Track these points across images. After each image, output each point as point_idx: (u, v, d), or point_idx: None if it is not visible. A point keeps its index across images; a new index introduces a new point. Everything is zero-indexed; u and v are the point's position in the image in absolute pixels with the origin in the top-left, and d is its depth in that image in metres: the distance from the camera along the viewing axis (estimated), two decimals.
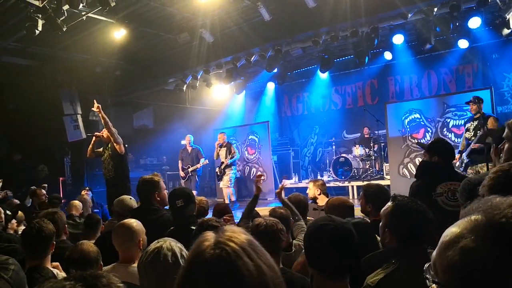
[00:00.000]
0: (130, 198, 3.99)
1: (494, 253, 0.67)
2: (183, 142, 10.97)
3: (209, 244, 0.90)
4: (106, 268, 2.57)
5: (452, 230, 0.75)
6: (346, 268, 1.87)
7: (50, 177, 10.77)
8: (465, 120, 7.40)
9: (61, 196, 9.24)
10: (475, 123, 6.65)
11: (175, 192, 3.38)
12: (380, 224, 2.18)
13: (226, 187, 9.32)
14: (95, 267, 2.50)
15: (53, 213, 3.43)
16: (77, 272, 0.92)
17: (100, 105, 6.25)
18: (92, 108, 6.36)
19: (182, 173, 9.81)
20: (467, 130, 6.78)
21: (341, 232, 1.88)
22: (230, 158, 9.35)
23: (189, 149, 9.81)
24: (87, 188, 8.51)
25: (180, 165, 9.93)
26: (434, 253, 0.79)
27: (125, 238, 2.60)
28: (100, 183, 11.42)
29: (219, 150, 9.60)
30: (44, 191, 7.14)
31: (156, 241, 1.94)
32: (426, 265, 0.81)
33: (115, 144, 6.31)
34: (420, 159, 8.57)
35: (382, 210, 2.20)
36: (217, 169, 9.69)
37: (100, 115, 6.27)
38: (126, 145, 10.19)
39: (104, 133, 6.49)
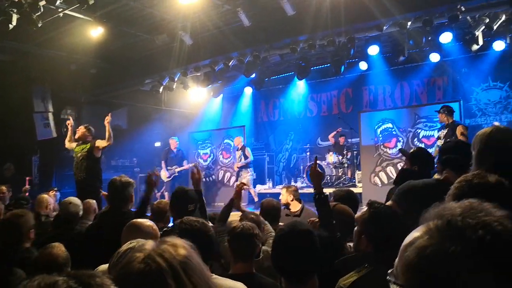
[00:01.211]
0: (70, 203, 3.90)
1: (444, 249, 0.70)
2: (156, 144, 10.88)
3: (140, 256, 0.89)
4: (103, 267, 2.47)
5: (412, 233, 0.79)
6: (307, 273, 1.91)
7: (17, 176, 10.45)
8: (438, 128, 7.71)
9: (27, 195, 8.98)
10: (445, 131, 6.89)
11: (187, 194, 3.27)
12: (355, 229, 2.24)
13: (247, 189, 9.57)
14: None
15: (18, 216, 3.05)
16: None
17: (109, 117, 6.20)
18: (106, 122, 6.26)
19: (166, 173, 9.98)
20: (439, 138, 7.03)
21: (300, 237, 1.93)
22: (245, 160, 9.91)
23: (175, 151, 10.11)
24: (55, 188, 8.25)
25: (163, 165, 10.08)
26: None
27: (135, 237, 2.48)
28: (69, 183, 11.13)
29: (237, 153, 10.26)
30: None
31: (129, 242, 1.89)
32: (389, 271, 0.83)
33: (99, 146, 6.25)
34: (392, 168, 8.82)
35: (357, 216, 2.25)
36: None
37: (107, 127, 6.29)
38: None
39: (80, 131, 6.41)
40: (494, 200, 1.59)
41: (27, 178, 10.38)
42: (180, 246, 0.94)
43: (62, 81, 10.51)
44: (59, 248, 2.52)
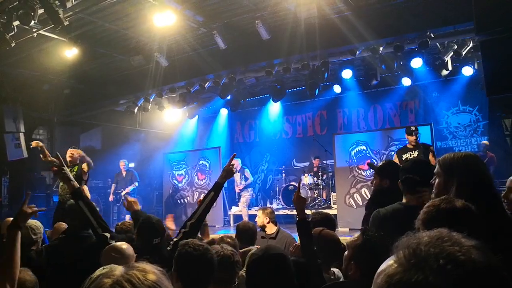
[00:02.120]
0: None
1: (408, 277, 0.72)
2: (131, 165, 10.74)
3: (107, 282, 0.89)
4: None
5: (386, 261, 0.81)
6: None
7: None
8: (396, 150, 7.56)
9: None
10: (415, 153, 6.86)
11: (153, 227, 3.05)
12: (345, 254, 2.21)
13: (244, 207, 9.78)
14: None
15: None
16: None
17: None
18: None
19: (111, 197, 9.88)
20: (407, 161, 6.87)
21: (274, 261, 1.91)
22: (245, 182, 10.00)
23: (124, 173, 9.83)
24: None
25: (112, 188, 9.97)
26: None
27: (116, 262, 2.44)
28: (39, 205, 10.77)
29: (236, 175, 10.09)
30: None
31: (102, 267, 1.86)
32: None
33: (84, 169, 6.45)
34: (366, 190, 8.90)
35: (349, 242, 2.23)
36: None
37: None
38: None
39: (76, 152, 6.66)
40: (461, 225, 1.63)
41: None
42: (150, 272, 0.93)
43: (34, 101, 10.32)
44: (26, 273, 2.42)
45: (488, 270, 0.72)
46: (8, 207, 10.43)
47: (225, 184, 11.22)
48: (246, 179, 10.03)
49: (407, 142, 7.24)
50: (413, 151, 6.89)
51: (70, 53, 8.10)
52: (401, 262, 0.75)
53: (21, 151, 9.90)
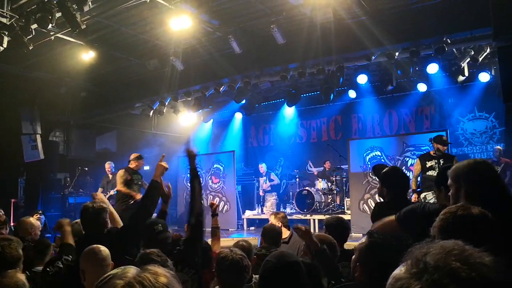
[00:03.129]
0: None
1: (409, 284, 0.76)
2: (146, 168, 10.68)
3: (120, 283, 0.91)
4: None
5: (401, 266, 0.84)
6: None
7: (0, 198, 10.26)
8: (418, 156, 7.38)
9: (12, 219, 8.78)
10: (441, 161, 6.69)
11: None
12: (353, 257, 2.23)
13: (268, 212, 9.83)
14: None
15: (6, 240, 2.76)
16: None
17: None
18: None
19: None
20: (432, 168, 6.83)
21: (287, 269, 1.91)
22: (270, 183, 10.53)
23: (110, 176, 9.24)
24: (40, 211, 8.09)
25: (98, 192, 9.52)
26: None
27: (94, 263, 2.51)
28: (54, 206, 11.00)
29: (261, 179, 10.73)
30: None
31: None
32: None
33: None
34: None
35: (357, 244, 2.24)
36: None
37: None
38: (86, 169, 9.94)
39: (139, 161, 7.58)
40: (478, 232, 1.61)
41: (12, 200, 10.21)
42: (161, 275, 0.95)
43: (51, 104, 10.49)
44: (14, 276, 2.43)
45: (488, 287, 0.73)
46: (23, 208, 10.60)
47: (239, 188, 11.27)
48: (271, 180, 10.50)
49: (430, 149, 7.12)
50: (439, 160, 6.75)
51: (87, 56, 8.23)
52: (407, 269, 0.79)
53: (38, 152, 10.06)
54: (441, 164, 6.59)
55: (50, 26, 6.46)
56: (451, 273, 0.74)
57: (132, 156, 7.86)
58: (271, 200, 10.22)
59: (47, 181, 11.03)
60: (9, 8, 6.44)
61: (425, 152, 7.52)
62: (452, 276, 0.73)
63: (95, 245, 2.64)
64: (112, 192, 9.02)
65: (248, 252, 3.26)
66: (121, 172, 7.56)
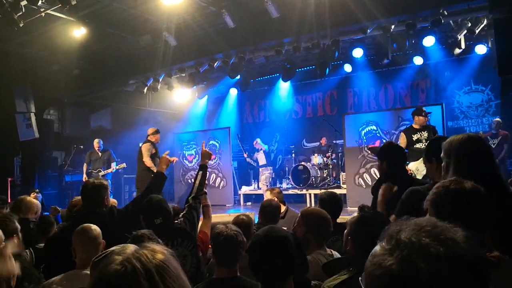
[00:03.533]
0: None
1: (382, 260, 0.79)
2: (95, 145, 10.43)
3: (118, 259, 0.94)
4: (58, 277, 2.48)
5: (380, 242, 0.86)
6: (282, 278, 1.91)
7: None
8: (402, 130, 7.49)
9: (9, 198, 8.81)
10: (425, 133, 6.83)
11: (152, 206, 3.22)
12: (345, 231, 2.27)
13: (265, 185, 9.92)
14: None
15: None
16: None
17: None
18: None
19: (85, 177, 9.09)
20: (419, 141, 6.87)
21: (275, 243, 1.93)
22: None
23: (100, 153, 9.23)
24: (37, 190, 8.11)
25: (85, 168, 9.26)
26: None
27: (86, 242, 2.56)
28: (51, 185, 11.04)
29: (257, 153, 10.60)
30: None
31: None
32: (362, 275, 0.89)
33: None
34: (376, 170, 8.89)
35: (349, 219, 2.29)
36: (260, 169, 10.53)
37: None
38: (82, 146, 9.90)
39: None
40: (470, 205, 1.63)
41: (9, 179, 10.22)
42: (159, 252, 0.99)
43: (44, 82, 10.37)
44: None
45: (457, 263, 0.75)
46: (20, 187, 10.62)
47: (235, 165, 11.27)
48: (269, 156, 10.56)
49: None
50: (423, 131, 6.87)
51: (78, 33, 8.12)
52: (382, 246, 0.82)
53: (32, 131, 10.00)
54: (425, 136, 6.74)
55: (40, 2, 6.34)
56: (420, 249, 0.76)
57: (150, 130, 8.11)
58: (265, 173, 10.22)
59: (43, 160, 11.02)
60: None
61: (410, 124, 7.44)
62: (421, 252, 0.75)
63: (86, 224, 2.68)
64: (106, 171, 9.06)
65: (248, 226, 3.31)
66: (147, 145, 7.78)
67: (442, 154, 2.21)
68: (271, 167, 10.45)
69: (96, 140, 9.37)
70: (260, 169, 10.48)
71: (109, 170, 9.09)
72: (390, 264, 0.77)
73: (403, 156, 3.54)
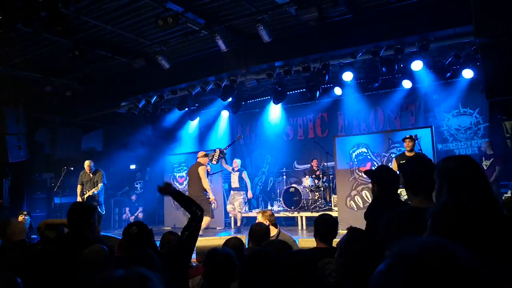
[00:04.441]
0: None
1: (386, 275, 0.82)
2: (132, 166, 10.65)
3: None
4: None
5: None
6: None
7: None
8: (395, 155, 7.97)
9: None
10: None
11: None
12: (336, 254, 2.28)
13: (239, 212, 9.68)
14: None
15: None
16: None
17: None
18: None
19: (79, 199, 8.91)
20: None
21: (265, 264, 1.93)
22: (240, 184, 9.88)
23: (91, 175, 9.06)
24: (25, 212, 7.98)
25: (79, 190, 9.13)
26: None
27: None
28: (40, 207, 10.90)
29: (233, 174, 10.00)
30: None
31: None
32: None
33: None
34: (367, 192, 8.93)
35: (339, 241, 2.29)
36: (231, 192, 10.05)
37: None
38: (72, 168, 9.83)
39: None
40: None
41: None
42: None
43: (36, 103, 10.36)
44: None
45: (461, 280, 0.77)
46: (9, 209, 10.46)
47: (226, 186, 11.13)
48: (241, 179, 9.86)
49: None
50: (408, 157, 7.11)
51: (72, 55, 8.13)
52: (387, 263, 0.84)
53: (23, 152, 9.94)
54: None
55: (35, 25, 6.38)
56: (424, 267, 0.77)
57: (201, 154, 8.96)
58: (239, 199, 9.75)
59: (32, 182, 10.91)
60: None
61: (403, 151, 7.84)
62: (423, 268, 0.77)
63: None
64: (91, 192, 8.81)
65: (240, 248, 3.29)
66: (204, 168, 8.49)
67: (434, 175, 2.23)
68: (243, 192, 9.92)
69: (87, 162, 9.21)
70: (232, 192, 9.97)
71: (90, 193, 8.81)
72: (395, 281, 0.79)
73: (395, 179, 3.54)
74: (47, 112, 10.97)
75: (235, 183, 9.91)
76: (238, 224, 9.68)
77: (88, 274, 2.52)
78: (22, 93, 10.08)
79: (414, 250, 0.82)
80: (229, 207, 9.98)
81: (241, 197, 9.79)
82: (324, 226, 3.68)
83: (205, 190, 8.26)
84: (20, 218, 7.31)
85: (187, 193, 10.62)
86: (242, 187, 9.89)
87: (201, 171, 8.41)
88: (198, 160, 8.81)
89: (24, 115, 10.12)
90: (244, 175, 9.91)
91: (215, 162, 9.29)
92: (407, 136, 7.64)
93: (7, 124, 9.86)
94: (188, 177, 9.06)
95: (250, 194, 10.04)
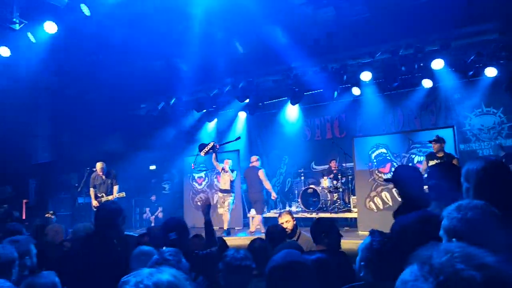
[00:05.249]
0: None
1: (416, 286, 0.80)
2: (151, 167, 10.74)
3: (133, 281, 1.04)
4: None
5: (408, 268, 0.88)
6: None
7: (14, 199, 10.41)
8: (425, 155, 7.78)
9: (24, 218, 8.93)
10: (439, 162, 6.93)
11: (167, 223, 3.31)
12: (358, 257, 2.25)
13: (226, 212, 9.18)
14: None
15: None
16: None
17: None
18: None
19: (95, 202, 8.81)
20: None
21: (293, 269, 1.92)
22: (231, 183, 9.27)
23: (103, 176, 8.87)
24: (51, 212, 8.20)
25: (92, 193, 8.93)
26: None
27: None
28: (64, 206, 11.13)
29: (223, 175, 9.37)
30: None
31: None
32: None
33: None
34: (387, 194, 8.81)
35: (360, 244, 2.27)
36: (219, 194, 9.44)
37: None
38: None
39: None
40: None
41: (24, 201, 10.36)
42: (171, 275, 1.08)
43: (60, 106, 10.59)
44: None
45: (494, 286, 0.75)
46: (35, 208, 10.74)
47: (244, 187, 11.08)
48: (233, 182, 9.38)
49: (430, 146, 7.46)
50: (437, 159, 6.97)
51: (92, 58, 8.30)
52: (413, 272, 0.83)
53: (48, 153, 10.18)
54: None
55: None
56: (456, 274, 0.76)
57: (254, 158, 9.61)
58: (228, 199, 9.21)
59: (57, 182, 11.17)
60: None
61: (431, 149, 7.68)
62: (457, 277, 0.76)
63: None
64: (109, 197, 8.67)
65: (263, 250, 3.29)
66: (263, 170, 9.26)
67: (462, 179, 2.20)
68: (233, 194, 9.37)
69: (99, 164, 8.97)
70: (221, 194, 9.38)
71: (110, 197, 8.69)
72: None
73: (414, 179, 3.27)
74: (71, 114, 11.21)
75: (225, 184, 9.27)
76: (225, 226, 9.20)
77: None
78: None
79: (444, 259, 0.80)
80: (220, 210, 9.35)
81: (230, 198, 9.27)
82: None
83: (263, 190, 9.08)
84: (47, 216, 7.54)
85: (206, 193, 10.74)
86: (233, 189, 9.35)
87: (261, 174, 9.17)
88: (253, 164, 9.46)
89: (49, 117, 10.37)
90: (262, 174, 9.49)
91: (203, 154, 9.21)
92: (434, 138, 7.46)
93: (33, 126, 10.12)
94: (246, 180, 9.86)
95: (274, 195, 9.54)
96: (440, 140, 7.27)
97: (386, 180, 3.56)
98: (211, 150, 9.21)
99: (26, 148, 10.08)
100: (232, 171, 9.33)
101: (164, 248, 2.64)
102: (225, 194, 9.27)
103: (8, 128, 9.84)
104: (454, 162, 6.82)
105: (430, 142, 7.45)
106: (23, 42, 7.38)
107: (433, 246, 0.87)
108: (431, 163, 7.00)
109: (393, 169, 8.99)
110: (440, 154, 7.18)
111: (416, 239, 1.76)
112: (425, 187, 2.88)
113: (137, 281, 1.03)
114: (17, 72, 8.45)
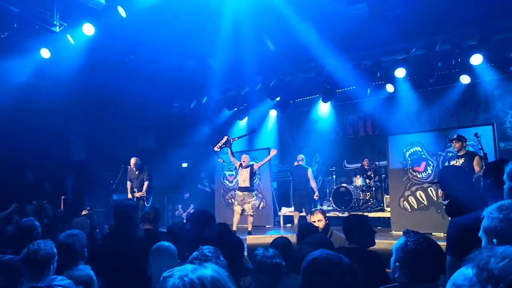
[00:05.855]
0: None
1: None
2: (184, 165, 10.86)
3: (177, 274, 1.05)
4: None
5: (459, 271, 0.86)
6: None
7: (52, 195, 10.81)
8: (448, 157, 7.66)
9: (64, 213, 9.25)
10: (461, 160, 6.74)
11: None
12: (392, 258, 2.22)
13: (250, 216, 8.52)
14: None
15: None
16: None
17: None
18: None
19: (130, 196, 8.90)
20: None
21: (332, 265, 1.91)
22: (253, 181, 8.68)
23: (136, 172, 8.89)
24: (88, 208, 8.47)
25: (129, 186, 9.00)
26: None
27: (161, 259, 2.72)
28: (99, 203, 11.48)
29: (241, 171, 8.74)
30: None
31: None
32: None
33: None
34: (422, 193, 8.60)
35: (394, 244, 2.23)
36: (238, 192, 8.76)
37: None
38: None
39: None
40: None
41: (62, 197, 10.75)
42: (214, 270, 1.09)
43: (96, 106, 10.90)
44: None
45: None
46: (72, 205, 11.12)
47: (274, 185, 11.03)
48: (253, 178, 8.71)
49: (476, 144, 7.30)
50: (459, 158, 6.83)
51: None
52: (469, 277, 0.80)
53: (85, 152, 10.52)
54: (460, 163, 6.78)
55: None
56: (504, 277, 0.74)
57: (300, 157, 9.87)
58: (251, 201, 8.51)
59: (92, 179, 11.52)
60: None
61: (468, 147, 7.45)
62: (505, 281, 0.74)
63: (162, 243, 2.86)
64: (138, 194, 8.68)
65: (287, 247, 3.29)
66: (311, 170, 9.46)
67: (505, 177, 2.14)
68: (255, 193, 8.78)
69: (132, 159, 9.06)
70: (240, 192, 8.66)
71: (137, 195, 8.73)
72: None
73: (457, 182, 3.15)
74: (106, 114, 11.52)
75: (245, 181, 8.58)
76: (250, 227, 8.62)
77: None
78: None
79: (501, 265, 0.77)
80: (237, 208, 8.64)
81: (253, 199, 8.58)
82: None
83: (313, 189, 9.24)
84: (84, 213, 7.80)
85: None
86: (253, 186, 8.71)
87: (309, 173, 9.36)
88: (299, 162, 9.69)
89: (85, 116, 10.70)
90: (310, 173, 9.31)
91: (217, 149, 8.74)
92: (454, 137, 7.20)
93: (70, 125, 10.47)
94: (292, 177, 10.15)
95: (317, 195, 9.41)
96: (461, 139, 7.02)
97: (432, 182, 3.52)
98: (224, 145, 8.80)
99: (64, 146, 10.43)
100: (243, 167, 8.71)
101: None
102: (245, 193, 8.56)
103: (48, 127, 10.23)
104: (477, 159, 6.59)
105: (451, 141, 7.22)
106: (62, 44, 7.63)
107: (487, 249, 0.84)
108: (453, 163, 6.83)
109: (428, 168, 8.77)
110: (462, 152, 6.95)
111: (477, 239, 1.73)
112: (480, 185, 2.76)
113: (182, 275, 1.04)
114: (56, 72, 8.73)
